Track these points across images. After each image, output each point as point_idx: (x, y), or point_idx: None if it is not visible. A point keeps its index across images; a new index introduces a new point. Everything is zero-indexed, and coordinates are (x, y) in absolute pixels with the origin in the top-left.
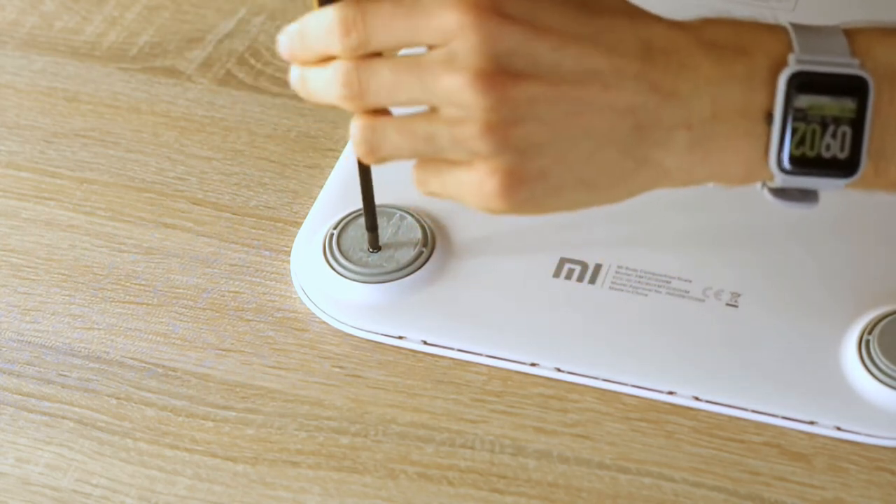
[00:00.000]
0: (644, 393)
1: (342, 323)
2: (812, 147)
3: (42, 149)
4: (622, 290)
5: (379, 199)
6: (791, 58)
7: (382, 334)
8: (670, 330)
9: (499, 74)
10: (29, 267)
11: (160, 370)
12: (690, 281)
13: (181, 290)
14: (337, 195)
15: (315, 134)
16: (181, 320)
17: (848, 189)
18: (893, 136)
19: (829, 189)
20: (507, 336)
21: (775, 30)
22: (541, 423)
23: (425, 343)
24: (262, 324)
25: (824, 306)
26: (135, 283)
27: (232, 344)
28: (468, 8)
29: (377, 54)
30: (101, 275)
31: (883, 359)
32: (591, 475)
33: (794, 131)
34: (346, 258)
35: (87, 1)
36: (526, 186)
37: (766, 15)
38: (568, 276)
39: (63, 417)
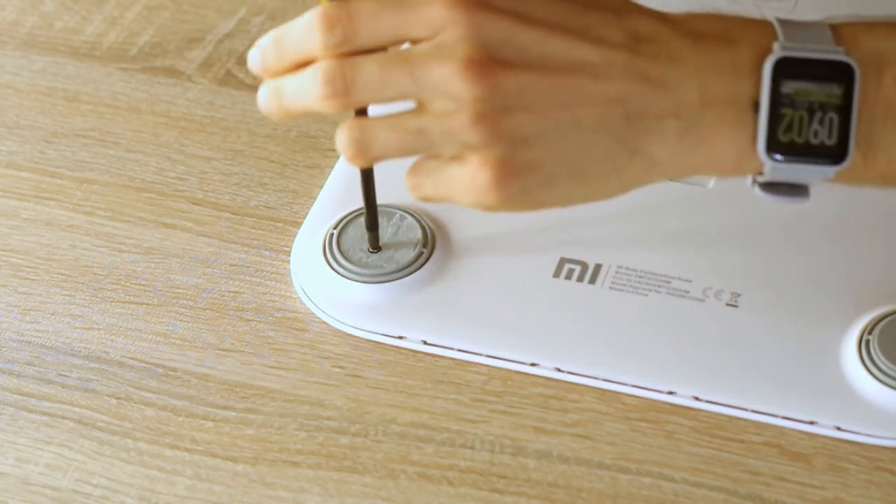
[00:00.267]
0: (644, 393)
1: (342, 323)
2: (800, 133)
3: (42, 149)
4: (622, 290)
5: (379, 200)
6: (776, 45)
7: (382, 334)
8: (670, 330)
9: (489, 63)
10: (29, 267)
11: (160, 370)
12: (690, 281)
13: (181, 290)
14: (337, 195)
15: (315, 134)
16: (181, 320)
17: (837, 182)
18: (881, 125)
19: (819, 179)
20: (507, 336)
21: (760, 22)
22: (541, 423)
23: (425, 343)
24: (262, 324)
25: (824, 306)
26: (135, 283)
27: (232, 344)
28: (456, 0)
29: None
30: (101, 275)
31: (883, 359)
32: (591, 475)
33: (781, 117)
34: (346, 258)
35: (87, 1)
36: (518, 178)
37: (765, 13)
38: (568, 276)
39: (63, 417)
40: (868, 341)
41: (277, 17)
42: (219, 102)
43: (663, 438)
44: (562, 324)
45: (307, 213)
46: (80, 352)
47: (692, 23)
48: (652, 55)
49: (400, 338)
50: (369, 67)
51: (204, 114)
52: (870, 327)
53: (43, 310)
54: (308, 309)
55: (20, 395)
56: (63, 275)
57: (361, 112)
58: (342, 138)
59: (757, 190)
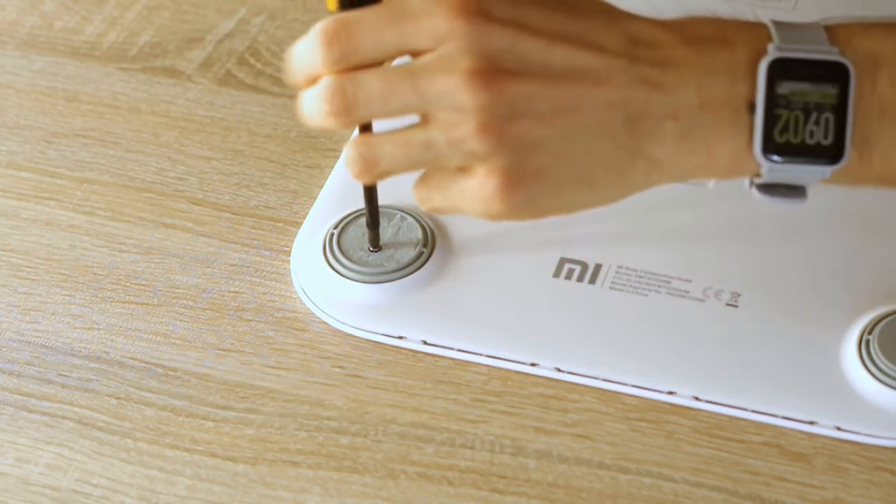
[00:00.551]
0: (644, 393)
1: (342, 323)
2: (796, 134)
3: (42, 149)
4: (622, 290)
5: (380, 200)
6: (771, 47)
7: (382, 334)
8: (670, 330)
9: (492, 72)
10: (29, 267)
11: (160, 370)
12: (690, 281)
13: (181, 290)
14: (337, 195)
15: (315, 134)
16: (181, 320)
17: (834, 182)
18: (876, 124)
19: (815, 179)
20: (507, 336)
21: (755, 24)
22: (541, 423)
23: (425, 343)
24: (262, 324)
25: (824, 306)
26: (135, 283)
27: (232, 344)
28: (456, 12)
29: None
30: (101, 275)
31: (883, 359)
32: (591, 475)
33: (776, 118)
34: (347, 258)
35: (87, 1)
36: (525, 186)
37: (763, 15)
38: (568, 276)
39: (63, 417)
40: (868, 341)
41: (277, 17)
42: (219, 102)
43: (663, 438)
44: (562, 324)
45: (307, 213)
46: (80, 352)
47: (688, 27)
48: (650, 59)
49: (400, 338)
50: (371, 82)
51: (204, 114)
52: (870, 327)
53: (43, 310)
54: (308, 309)
55: (20, 395)
56: (63, 275)
57: (367, 128)
58: (348, 155)
59: (755, 192)
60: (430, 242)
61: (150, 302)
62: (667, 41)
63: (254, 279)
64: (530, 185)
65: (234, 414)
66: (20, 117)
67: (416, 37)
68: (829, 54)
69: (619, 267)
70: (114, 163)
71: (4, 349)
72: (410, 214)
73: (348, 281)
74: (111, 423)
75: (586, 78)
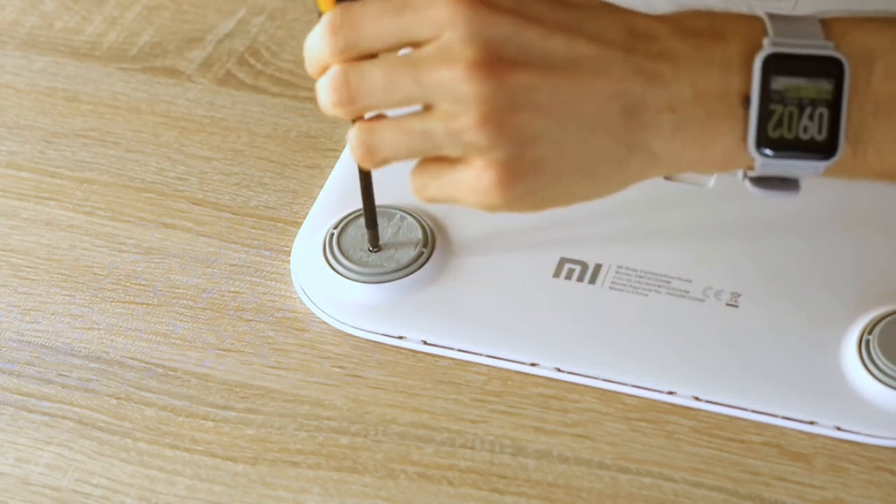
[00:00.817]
0: (644, 393)
1: (342, 323)
2: (790, 129)
3: (42, 149)
4: (622, 290)
5: (379, 200)
6: (766, 41)
7: (382, 334)
8: (670, 330)
9: (493, 63)
10: (29, 267)
11: (160, 370)
12: (690, 281)
13: (181, 290)
14: (337, 195)
15: (315, 134)
16: (181, 320)
17: (828, 176)
18: (870, 119)
19: (808, 173)
20: (507, 336)
21: (751, 18)
22: (541, 423)
23: (425, 343)
24: (262, 324)
25: (824, 306)
26: (135, 283)
27: (232, 344)
28: (457, 0)
29: (370, 58)
30: (101, 275)
31: (883, 359)
32: (591, 475)
33: (770, 113)
34: (347, 258)
35: (87, 1)
36: (523, 178)
37: (755, 10)
38: (568, 276)
39: (63, 417)
40: (868, 341)
41: (277, 17)
42: (219, 102)
43: (663, 438)
44: (562, 324)
45: (307, 213)
46: (80, 352)
47: (685, 20)
48: (647, 51)
49: (400, 338)
50: (374, 73)
51: (204, 114)
52: (870, 327)
53: (43, 310)
54: (308, 309)
55: (20, 395)
56: (63, 275)
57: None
58: (351, 140)
59: (747, 184)
60: (430, 242)
61: (150, 302)
62: (664, 34)
63: (254, 279)
64: (528, 178)
65: (234, 414)
66: (20, 117)
67: (417, 27)
68: (824, 49)
69: (619, 267)
70: (114, 163)
71: (4, 349)
72: (410, 214)
73: (348, 281)
74: (111, 423)
75: (585, 69)
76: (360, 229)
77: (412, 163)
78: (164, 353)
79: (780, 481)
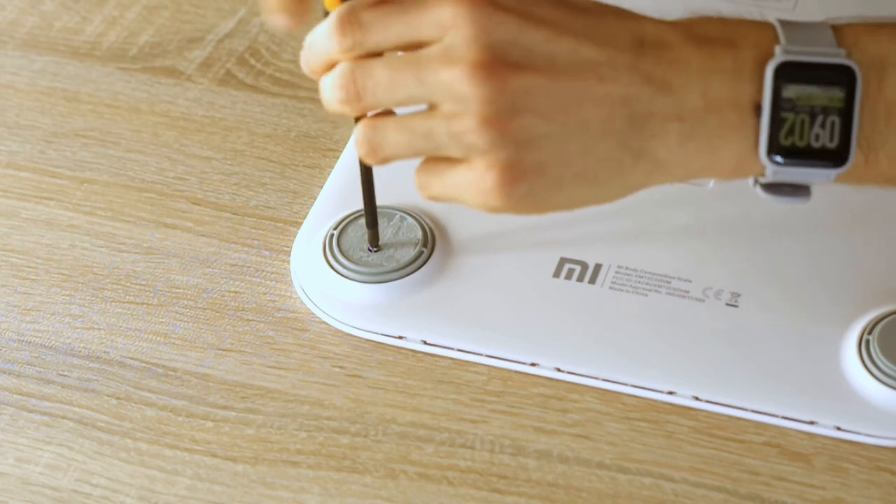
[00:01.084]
0: (644, 393)
1: (342, 323)
2: (801, 137)
3: (42, 149)
4: (622, 290)
5: (380, 200)
6: (778, 49)
7: (382, 334)
8: (670, 330)
9: (496, 65)
10: (29, 267)
11: (160, 370)
12: (690, 281)
13: (181, 290)
14: (337, 195)
15: (315, 134)
16: (181, 320)
17: (839, 183)
18: (882, 126)
19: (820, 181)
20: (507, 336)
21: (762, 25)
22: (541, 423)
23: (425, 343)
24: (262, 324)
25: (824, 306)
26: (135, 283)
27: (232, 344)
28: (462, 1)
29: (377, 56)
30: (101, 275)
31: (883, 359)
32: (591, 475)
33: (782, 121)
34: (346, 258)
35: (87, 1)
36: (524, 181)
37: (765, 14)
38: (568, 276)
39: (63, 417)
40: (868, 341)
41: None
42: (219, 102)
43: (663, 438)
44: (562, 324)
45: (307, 213)
46: (80, 352)
47: (695, 27)
48: (656, 58)
49: (400, 338)
50: (379, 71)
51: (204, 114)
52: (870, 327)
53: (43, 310)
54: (308, 309)
55: (20, 395)
56: (63, 275)
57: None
58: (356, 136)
59: (758, 190)
60: (430, 242)
61: (150, 302)
62: (674, 41)
63: (254, 279)
64: (529, 181)
65: (234, 414)
66: (20, 117)
67: (422, 27)
68: (837, 57)
69: (619, 267)
70: (114, 163)
71: (4, 349)
72: (410, 214)
73: (348, 281)
74: (111, 423)
75: (591, 74)
76: (360, 229)
77: (413, 163)
78: (164, 353)
79: (780, 481)
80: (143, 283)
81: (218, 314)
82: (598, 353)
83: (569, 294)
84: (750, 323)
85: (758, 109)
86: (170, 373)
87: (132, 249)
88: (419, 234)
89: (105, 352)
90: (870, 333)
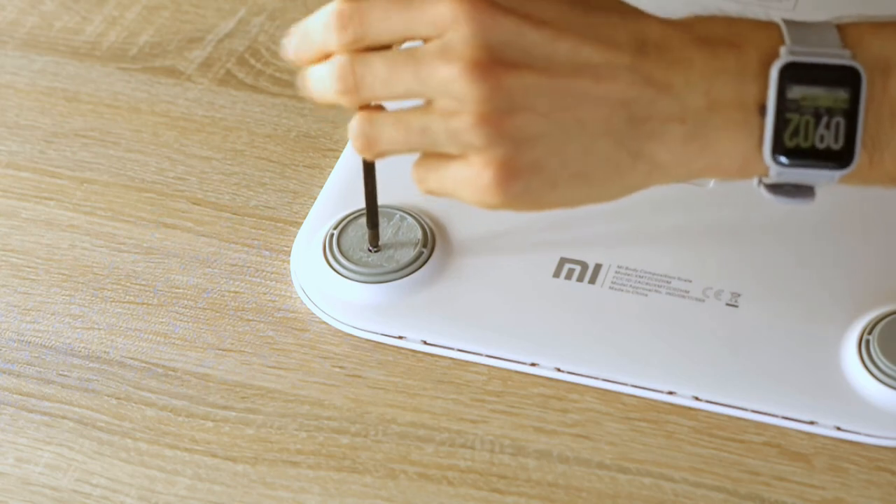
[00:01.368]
0: (644, 393)
1: (342, 323)
2: (806, 138)
3: (42, 149)
4: (622, 290)
5: (380, 200)
6: (783, 50)
7: (382, 334)
8: (670, 330)
9: (493, 64)
10: (29, 267)
11: (160, 370)
12: (690, 281)
13: (181, 290)
14: (337, 195)
15: (315, 134)
16: (181, 320)
17: (843, 183)
18: (887, 126)
19: (824, 182)
20: (507, 336)
21: (767, 25)
22: (541, 423)
23: (425, 343)
24: (262, 324)
25: (824, 306)
26: (135, 283)
27: (232, 344)
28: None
29: (376, 49)
30: (101, 275)
31: (883, 359)
32: (591, 475)
33: (787, 122)
34: (347, 258)
35: (87, 1)
36: (521, 179)
37: (767, 15)
38: (568, 276)
39: (63, 417)
40: (868, 341)
41: (277, 17)
42: (219, 102)
43: (663, 438)
44: (562, 324)
45: (307, 213)
46: (80, 352)
47: (698, 26)
48: (658, 58)
49: (400, 338)
50: (378, 65)
51: (204, 114)
52: (870, 327)
53: (43, 310)
54: (308, 309)
55: (20, 395)
56: (63, 275)
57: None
58: (352, 130)
59: (762, 190)
60: (430, 242)
61: (150, 302)
62: (676, 40)
63: (254, 279)
64: (526, 179)
65: (234, 414)
66: (20, 117)
67: (422, 23)
68: (842, 58)
69: (619, 267)
70: (114, 163)
71: (4, 349)
72: (410, 214)
73: (348, 281)
74: (111, 423)
75: (590, 74)
76: (360, 229)
77: (413, 159)
78: (164, 353)
79: (780, 481)
80: (143, 283)
81: (218, 314)
82: (598, 353)
83: (569, 294)
84: (750, 323)
85: (762, 110)
86: (170, 373)
87: (132, 249)
88: (419, 234)
89: (105, 352)
90: (870, 333)
